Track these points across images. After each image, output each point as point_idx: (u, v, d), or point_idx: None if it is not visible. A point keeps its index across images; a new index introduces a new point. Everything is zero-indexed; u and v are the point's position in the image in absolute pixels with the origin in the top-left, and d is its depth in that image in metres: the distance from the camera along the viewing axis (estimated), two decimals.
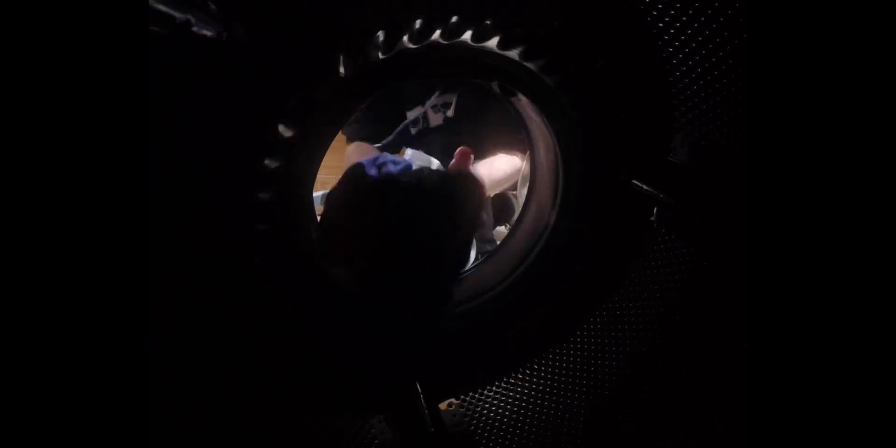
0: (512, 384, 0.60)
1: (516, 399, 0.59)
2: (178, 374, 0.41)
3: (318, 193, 1.14)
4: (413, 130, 1.03)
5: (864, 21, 0.25)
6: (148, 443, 0.25)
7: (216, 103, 0.36)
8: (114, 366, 0.24)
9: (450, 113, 0.97)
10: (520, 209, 0.67)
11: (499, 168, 0.94)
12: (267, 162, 0.39)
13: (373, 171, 0.45)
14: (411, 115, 1.00)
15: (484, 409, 0.58)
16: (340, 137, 1.00)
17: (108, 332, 0.24)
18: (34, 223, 0.23)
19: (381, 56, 0.39)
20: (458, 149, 0.54)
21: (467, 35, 0.41)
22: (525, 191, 0.67)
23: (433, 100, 0.97)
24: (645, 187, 0.50)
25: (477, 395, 0.59)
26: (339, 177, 0.45)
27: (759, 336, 0.27)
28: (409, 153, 0.98)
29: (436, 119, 1.00)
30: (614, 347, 0.56)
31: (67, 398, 0.23)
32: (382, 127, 1.00)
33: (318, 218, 0.46)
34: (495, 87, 0.52)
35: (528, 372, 0.60)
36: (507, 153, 0.95)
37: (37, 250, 0.23)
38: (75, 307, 0.24)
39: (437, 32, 0.40)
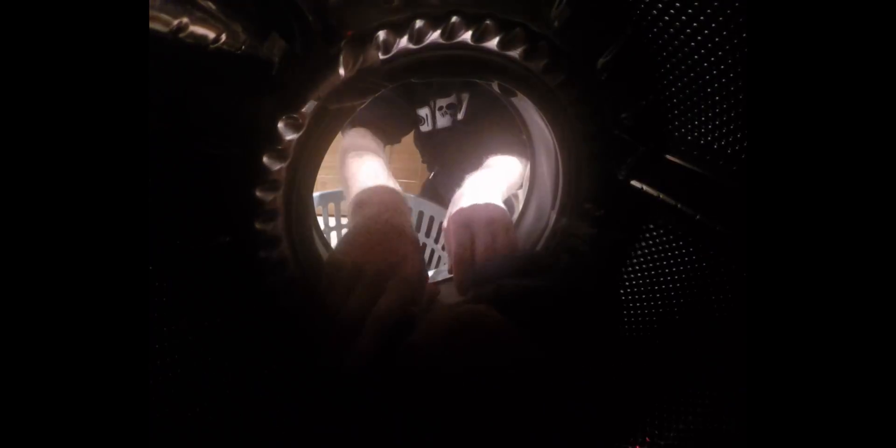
0: None
1: None
2: (177, 374, 0.41)
3: (317, 193, 1.14)
4: (422, 128, 1.03)
5: (864, 20, 0.25)
6: (148, 443, 0.25)
7: (216, 103, 0.36)
8: (113, 366, 0.24)
9: (460, 116, 0.98)
10: (520, 209, 0.67)
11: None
12: (267, 162, 0.39)
13: None
14: (420, 112, 1.01)
15: None
16: (340, 137, 1.00)
17: (108, 331, 0.24)
18: (33, 224, 0.23)
19: (381, 56, 0.39)
20: None
21: (467, 35, 0.41)
22: (525, 191, 0.67)
23: (439, 102, 0.98)
24: (645, 187, 0.50)
25: None
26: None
27: (759, 336, 0.27)
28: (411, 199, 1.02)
29: (444, 121, 1.01)
30: (613, 348, 0.56)
31: (67, 398, 0.23)
32: (395, 126, 0.97)
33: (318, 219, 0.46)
34: (495, 87, 0.52)
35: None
36: (514, 156, 0.94)
37: (36, 252, 0.23)
38: (75, 307, 0.24)
39: (437, 32, 0.40)
